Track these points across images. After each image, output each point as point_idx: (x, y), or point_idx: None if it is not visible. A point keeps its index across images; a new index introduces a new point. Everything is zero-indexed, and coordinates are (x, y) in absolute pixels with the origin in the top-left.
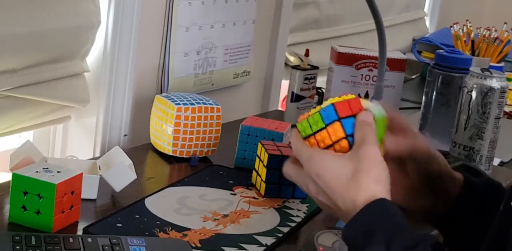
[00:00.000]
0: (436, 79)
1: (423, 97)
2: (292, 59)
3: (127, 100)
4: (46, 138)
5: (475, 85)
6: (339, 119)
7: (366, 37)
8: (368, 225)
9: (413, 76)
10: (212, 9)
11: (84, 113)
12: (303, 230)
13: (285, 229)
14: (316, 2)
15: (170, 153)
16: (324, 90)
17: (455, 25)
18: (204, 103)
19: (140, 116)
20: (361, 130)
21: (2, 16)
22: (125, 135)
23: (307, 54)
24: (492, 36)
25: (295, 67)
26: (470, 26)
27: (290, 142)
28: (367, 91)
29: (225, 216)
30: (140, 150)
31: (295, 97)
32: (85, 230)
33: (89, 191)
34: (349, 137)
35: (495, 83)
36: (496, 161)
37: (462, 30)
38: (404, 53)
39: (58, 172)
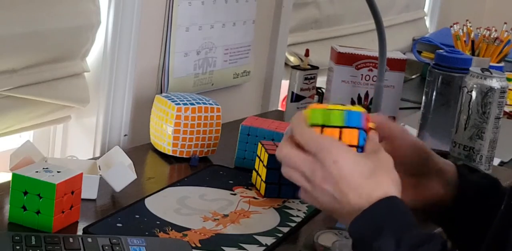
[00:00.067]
0: (436, 79)
1: (423, 97)
2: (292, 59)
3: (127, 100)
4: (46, 138)
5: (475, 85)
6: (359, 128)
7: (366, 37)
8: (380, 220)
9: (413, 76)
10: (212, 9)
11: (84, 113)
12: (303, 230)
13: (285, 229)
14: (316, 2)
15: (170, 153)
16: (324, 90)
17: (455, 25)
18: (204, 103)
19: (140, 116)
20: (373, 143)
21: (2, 16)
22: (125, 135)
23: (307, 54)
24: (492, 36)
25: (295, 67)
26: (470, 26)
27: (295, 126)
28: (367, 91)
29: (225, 216)
30: (140, 150)
31: (295, 97)
32: (85, 230)
33: (89, 191)
34: (359, 148)
35: (495, 83)
36: (496, 161)
37: (462, 30)
38: (404, 53)
39: (58, 172)
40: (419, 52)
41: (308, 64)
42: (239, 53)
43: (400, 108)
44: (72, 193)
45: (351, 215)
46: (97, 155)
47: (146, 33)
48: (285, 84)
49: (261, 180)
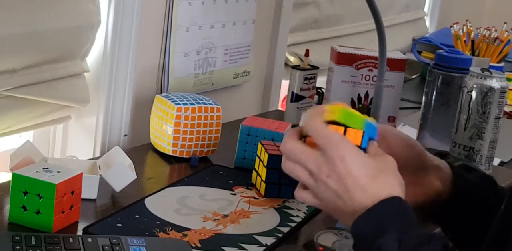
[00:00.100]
0: (436, 79)
1: (423, 97)
2: (292, 59)
3: (127, 100)
4: (46, 138)
5: (475, 85)
6: (364, 131)
7: (366, 37)
8: (383, 220)
9: (413, 76)
10: (212, 9)
11: (84, 113)
12: (303, 230)
13: (285, 229)
14: (316, 2)
15: (170, 153)
16: (324, 90)
17: (455, 25)
18: (204, 103)
19: (140, 116)
20: (376, 148)
21: (2, 16)
22: (125, 135)
23: (307, 54)
24: (492, 36)
25: (295, 67)
26: (470, 26)
27: (310, 118)
28: (367, 91)
29: (225, 216)
30: (140, 150)
31: (295, 97)
32: (85, 230)
33: (89, 191)
34: (361, 149)
35: (495, 83)
36: (496, 161)
37: (462, 30)
38: (404, 53)
39: (58, 172)
40: (419, 52)
41: (308, 64)
42: (239, 53)
43: (400, 108)
44: (72, 193)
45: (354, 214)
46: (97, 155)
47: (146, 33)
48: (285, 84)
49: (261, 180)
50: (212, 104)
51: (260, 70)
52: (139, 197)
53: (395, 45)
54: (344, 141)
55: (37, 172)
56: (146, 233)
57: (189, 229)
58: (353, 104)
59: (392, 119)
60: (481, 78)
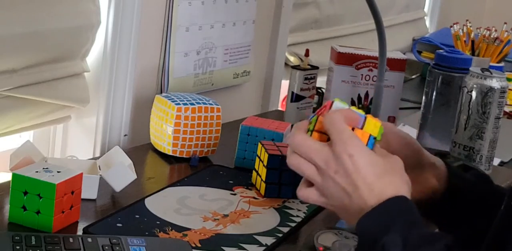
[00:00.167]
0: (436, 79)
1: (423, 97)
2: (292, 59)
3: (127, 100)
4: (46, 138)
5: (475, 85)
6: (370, 134)
7: (366, 37)
8: (389, 218)
9: (413, 76)
10: (212, 9)
11: (84, 113)
12: (303, 230)
13: (285, 229)
14: (316, 2)
15: (170, 153)
16: (324, 90)
17: (455, 25)
18: (204, 103)
19: (140, 116)
20: (381, 150)
21: (2, 16)
22: (125, 135)
23: (307, 54)
24: (492, 36)
25: (295, 67)
26: (470, 26)
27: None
28: (367, 91)
29: (225, 216)
30: (140, 150)
31: (295, 97)
32: (85, 230)
33: (89, 191)
34: None
35: (495, 83)
36: (496, 161)
37: (462, 30)
38: (404, 53)
39: (58, 172)
40: (419, 52)
41: (308, 64)
42: (239, 53)
43: (400, 108)
44: (72, 193)
45: (360, 212)
46: (97, 155)
47: (146, 33)
48: (285, 84)
49: (261, 180)
50: (212, 104)
51: (260, 70)
52: (139, 197)
53: (395, 45)
54: (354, 138)
55: (37, 172)
56: (146, 233)
57: (189, 229)
58: (353, 105)
59: (392, 120)
60: (481, 78)
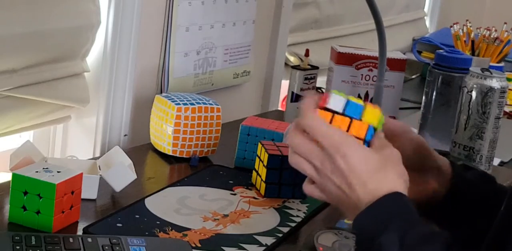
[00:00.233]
0: (436, 79)
1: (423, 97)
2: (292, 59)
3: (127, 100)
4: (46, 138)
5: (475, 85)
6: (368, 123)
7: (366, 37)
8: (386, 214)
9: (413, 76)
10: (212, 9)
11: (84, 113)
12: (303, 230)
13: (285, 229)
14: (316, 2)
15: (170, 153)
16: (324, 90)
17: (455, 25)
18: (204, 103)
19: (140, 116)
20: (381, 140)
21: (2, 16)
22: (125, 135)
23: (307, 54)
24: (492, 36)
25: (295, 67)
26: (470, 26)
27: (305, 116)
28: (367, 91)
29: (225, 216)
30: (140, 150)
31: (295, 97)
32: (85, 230)
33: (89, 191)
34: (365, 142)
35: (495, 83)
36: (496, 161)
37: (462, 30)
38: (404, 53)
39: (58, 172)
40: (419, 52)
41: (308, 64)
42: (239, 53)
43: (400, 108)
44: (72, 193)
45: (357, 210)
46: (97, 155)
47: (146, 33)
48: (285, 84)
49: (261, 180)
50: (212, 104)
51: (260, 70)
52: (139, 197)
53: (395, 45)
54: (344, 137)
55: (37, 172)
56: (146, 233)
57: (189, 229)
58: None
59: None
60: (481, 78)
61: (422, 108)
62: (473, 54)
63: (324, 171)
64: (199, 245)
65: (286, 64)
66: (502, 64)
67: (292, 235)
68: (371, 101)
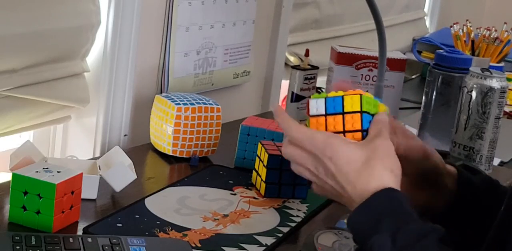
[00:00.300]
0: (436, 79)
1: (423, 97)
2: (292, 59)
3: (127, 100)
4: (46, 138)
5: (475, 85)
6: (361, 112)
7: (366, 37)
8: (376, 214)
9: (413, 76)
10: (212, 9)
11: (84, 113)
12: (303, 230)
13: (285, 229)
14: (316, 2)
15: (170, 153)
16: (324, 90)
17: (455, 25)
18: (204, 103)
19: (140, 116)
20: (377, 126)
21: (2, 16)
22: (125, 135)
23: (307, 54)
24: (492, 36)
25: (295, 67)
26: (470, 26)
27: (285, 128)
28: (367, 91)
29: (225, 216)
30: (140, 150)
31: (295, 97)
32: (85, 230)
33: (89, 191)
34: (364, 131)
35: (495, 83)
36: (496, 161)
37: (462, 30)
38: (404, 53)
39: (58, 172)
40: (419, 52)
41: (308, 64)
42: (239, 53)
43: (400, 108)
44: (72, 193)
45: (352, 209)
46: (97, 155)
47: (146, 33)
48: (285, 84)
49: (261, 180)
50: (212, 104)
51: (260, 70)
52: (139, 197)
53: (395, 45)
54: (327, 139)
55: (37, 172)
56: (146, 233)
57: (189, 229)
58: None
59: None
60: (481, 78)
61: (422, 108)
62: (473, 54)
63: (319, 175)
64: (199, 245)
65: (286, 64)
66: (502, 64)
67: (292, 235)
68: None
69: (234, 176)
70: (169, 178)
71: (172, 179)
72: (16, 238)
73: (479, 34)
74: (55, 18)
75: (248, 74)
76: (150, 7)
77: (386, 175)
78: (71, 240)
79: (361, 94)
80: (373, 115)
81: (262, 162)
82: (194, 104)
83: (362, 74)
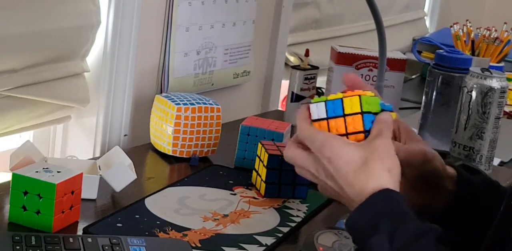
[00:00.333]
0: (436, 79)
1: (423, 97)
2: (292, 59)
3: (127, 100)
4: (46, 138)
5: (475, 85)
6: (362, 113)
7: (366, 37)
8: (374, 215)
9: (413, 76)
10: (212, 9)
11: (84, 113)
12: (303, 230)
13: (285, 229)
14: (316, 2)
15: (170, 153)
16: (324, 90)
17: (455, 25)
18: (204, 103)
19: (140, 116)
20: (379, 126)
21: (2, 16)
22: (125, 135)
23: (307, 54)
24: (492, 36)
25: (295, 67)
26: (470, 26)
27: (298, 123)
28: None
29: (225, 216)
30: (140, 150)
31: (295, 97)
32: (85, 230)
33: (89, 191)
34: (366, 132)
35: (495, 83)
36: (496, 161)
37: (462, 30)
38: (404, 53)
39: (58, 172)
40: (419, 52)
41: (308, 64)
42: (239, 53)
43: (400, 108)
44: (72, 193)
45: (352, 209)
46: (97, 155)
47: (146, 33)
48: (285, 84)
49: (261, 180)
50: (212, 104)
51: (260, 70)
52: (139, 197)
53: (395, 45)
54: (327, 140)
55: (37, 172)
56: (146, 233)
57: (189, 229)
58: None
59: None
60: (481, 78)
61: (422, 108)
62: (473, 54)
63: (320, 177)
64: (199, 245)
65: (286, 64)
66: (502, 64)
67: (292, 235)
68: None
69: (234, 176)
70: (169, 178)
71: (172, 179)
72: (16, 238)
73: (479, 34)
74: (55, 18)
75: (248, 74)
76: (150, 7)
77: (384, 175)
78: (71, 240)
79: (360, 95)
80: (375, 114)
81: (262, 162)
82: (194, 104)
83: (362, 74)
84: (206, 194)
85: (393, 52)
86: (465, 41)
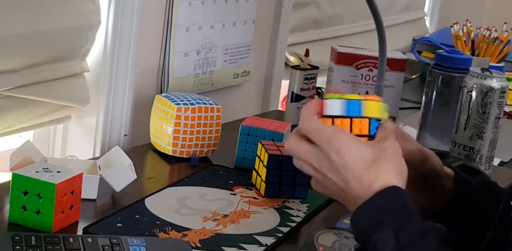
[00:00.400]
0: (436, 79)
1: (423, 97)
2: (292, 59)
3: (127, 100)
4: (46, 138)
5: (475, 85)
6: (369, 117)
7: (366, 37)
8: (379, 212)
9: (413, 76)
10: (212, 9)
11: (84, 113)
12: (303, 230)
13: (285, 229)
14: (316, 2)
15: (170, 153)
16: (324, 90)
17: (455, 25)
18: (204, 103)
19: (140, 116)
20: (384, 132)
21: (2, 16)
22: (125, 135)
23: (307, 54)
24: (492, 36)
25: (295, 67)
26: (470, 26)
27: (302, 118)
28: (367, 91)
29: (225, 216)
30: (140, 150)
31: (295, 97)
32: (85, 230)
33: (89, 191)
34: (370, 137)
35: (495, 83)
36: (496, 161)
37: (462, 30)
38: (404, 53)
39: (58, 172)
40: (419, 52)
41: (308, 64)
42: (239, 53)
43: (400, 108)
44: (72, 193)
45: (355, 206)
46: (97, 155)
47: (146, 33)
48: (285, 84)
49: (261, 180)
50: (212, 104)
51: (260, 70)
52: (139, 197)
53: (395, 45)
54: (337, 132)
55: (37, 172)
56: (146, 233)
57: (189, 229)
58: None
59: (392, 120)
60: (481, 78)
61: (422, 108)
62: (473, 54)
63: (322, 170)
64: (199, 245)
65: (286, 64)
66: (502, 64)
67: (292, 235)
68: None
69: (234, 176)
70: (169, 178)
71: (172, 179)
72: (16, 238)
73: (479, 34)
74: (55, 18)
75: (248, 74)
76: (150, 7)
77: (393, 175)
78: (71, 240)
79: (380, 101)
80: (379, 121)
81: (262, 162)
82: (194, 104)
83: (362, 74)
84: (206, 194)
85: (393, 52)
86: (465, 41)
